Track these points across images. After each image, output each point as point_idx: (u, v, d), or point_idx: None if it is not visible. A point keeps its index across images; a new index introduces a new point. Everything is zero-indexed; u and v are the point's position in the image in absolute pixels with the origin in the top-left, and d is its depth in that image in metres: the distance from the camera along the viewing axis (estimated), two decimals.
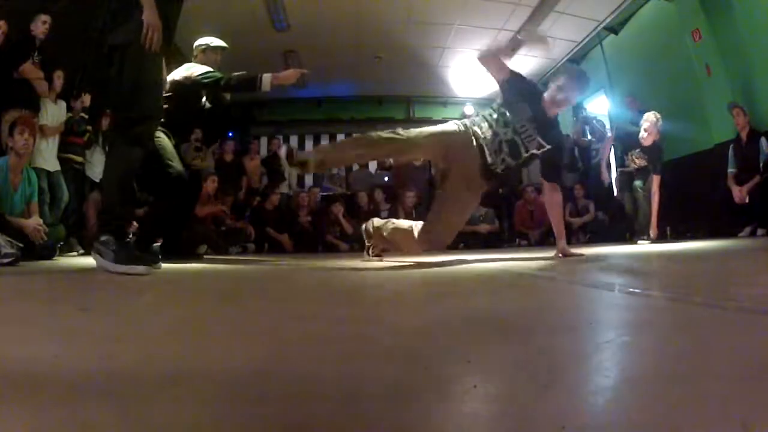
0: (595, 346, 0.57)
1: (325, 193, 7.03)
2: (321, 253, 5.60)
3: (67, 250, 3.71)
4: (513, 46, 2.78)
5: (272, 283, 1.65)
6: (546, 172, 2.46)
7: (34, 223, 3.00)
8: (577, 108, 7.71)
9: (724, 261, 2.06)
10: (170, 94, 2.79)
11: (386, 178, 7.40)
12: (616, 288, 1.10)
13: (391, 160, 6.12)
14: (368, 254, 2.65)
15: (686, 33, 5.08)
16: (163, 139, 2.81)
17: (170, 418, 0.37)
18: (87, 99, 4.34)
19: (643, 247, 3.74)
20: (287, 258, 4.03)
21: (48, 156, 3.85)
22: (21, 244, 2.65)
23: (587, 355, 0.53)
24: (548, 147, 2.28)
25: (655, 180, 4.33)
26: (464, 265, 2.01)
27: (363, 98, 9.11)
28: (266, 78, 2.82)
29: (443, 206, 2.28)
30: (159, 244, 3.20)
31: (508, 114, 2.25)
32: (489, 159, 2.19)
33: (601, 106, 7.30)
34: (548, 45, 2.84)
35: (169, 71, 2.85)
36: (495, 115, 2.27)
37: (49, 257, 2.97)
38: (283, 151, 7.08)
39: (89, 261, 2.02)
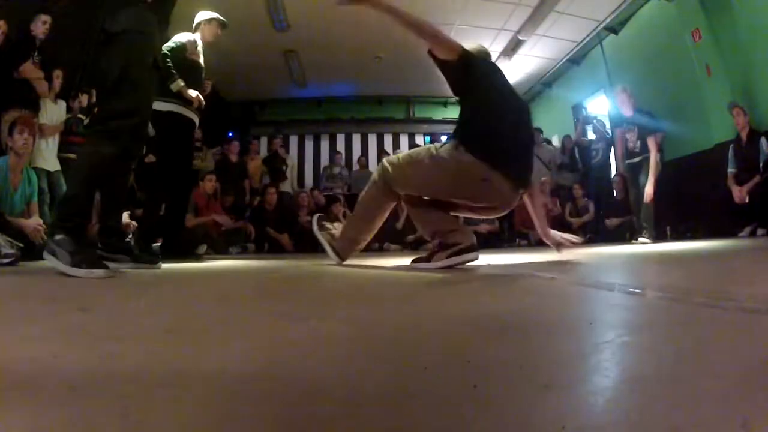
0: (594, 346, 0.57)
1: (326, 193, 7.03)
2: (321, 253, 5.60)
3: None
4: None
5: (272, 282, 1.65)
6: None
7: (34, 223, 3.00)
8: (578, 108, 7.73)
9: (724, 261, 2.06)
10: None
11: None
12: (616, 288, 1.10)
13: None
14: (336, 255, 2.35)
15: (686, 33, 5.09)
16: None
17: (170, 418, 0.37)
18: (84, 99, 4.35)
19: (643, 247, 3.74)
20: (287, 258, 4.03)
21: (48, 156, 3.86)
22: (21, 244, 2.66)
23: (587, 355, 0.53)
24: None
25: (651, 146, 4.40)
26: (464, 266, 2.00)
27: (363, 98, 9.12)
28: (179, 83, 3.00)
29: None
30: (159, 244, 3.21)
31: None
32: None
33: (601, 106, 7.31)
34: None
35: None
36: None
37: None
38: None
39: None
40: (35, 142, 3.44)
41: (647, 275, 1.49)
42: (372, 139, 9.38)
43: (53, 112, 3.94)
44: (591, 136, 6.87)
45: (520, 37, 6.37)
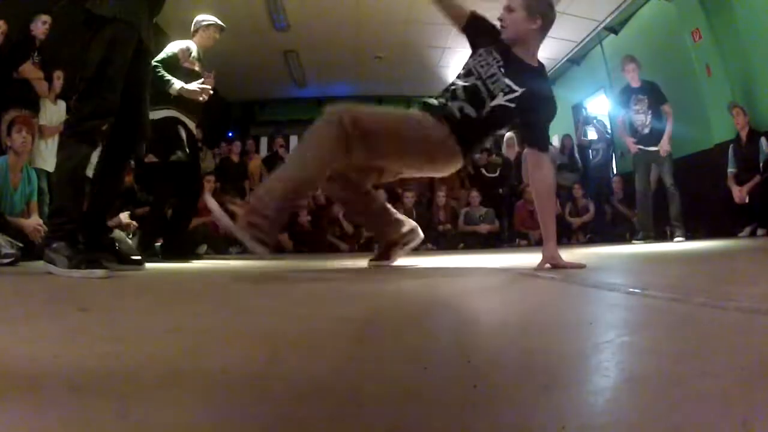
0: (594, 346, 0.57)
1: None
2: (321, 253, 5.60)
3: None
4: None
5: (272, 282, 1.65)
6: (524, 131, 1.95)
7: (34, 222, 3.00)
8: (578, 108, 7.73)
9: (724, 261, 2.06)
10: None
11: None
12: (616, 288, 1.10)
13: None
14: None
15: (686, 33, 5.09)
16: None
17: (170, 418, 0.37)
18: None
19: (643, 247, 3.74)
20: (287, 258, 4.03)
21: (47, 156, 3.85)
22: (21, 244, 2.66)
23: (587, 355, 0.53)
24: (519, 91, 1.76)
25: (668, 112, 4.39)
26: (464, 266, 2.01)
27: (363, 98, 9.12)
28: (176, 84, 2.98)
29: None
30: (159, 244, 3.21)
31: (470, 62, 1.90)
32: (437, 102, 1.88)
33: (601, 106, 7.31)
34: None
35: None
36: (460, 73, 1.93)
37: None
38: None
39: None
40: (35, 142, 3.43)
41: (647, 275, 1.49)
42: None
43: (53, 113, 3.94)
44: (591, 136, 6.87)
45: None
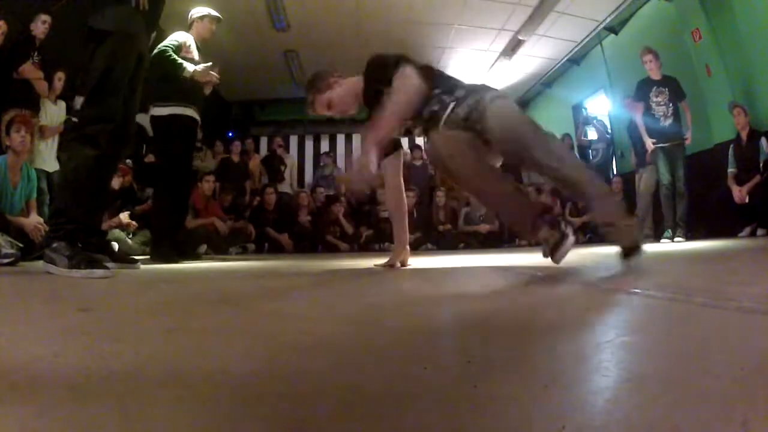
0: (594, 346, 0.57)
1: (326, 193, 7.01)
2: (321, 253, 5.60)
3: None
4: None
5: (272, 283, 1.65)
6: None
7: (34, 221, 3.00)
8: (578, 108, 7.73)
9: (724, 261, 2.06)
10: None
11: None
12: (617, 288, 1.10)
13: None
14: None
15: (686, 33, 5.09)
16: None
17: (170, 418, 0.37)
18: (80, 101, 4.34)
19: (643, 247, 3.72)
20: (287, 258, 4.03)
21: (47, 156, 3.85)
22: (21, 244, 2.66)
23: (587, 355, 0.53)
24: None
25: (686, 108, 4.42)
26: (463, 266, 2.01)
27: None
28: (190, 67, 2.99)
29: None
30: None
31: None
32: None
33: (601, 106, 7.31)
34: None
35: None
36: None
37: None
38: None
39: None
40: (34, 142, 3.43)
41: (647, 275, 1.48)
42: None
43: (53, 113, 3.94)
44: (591, 136, 6.87)
45: (520, 37, 6.37)
